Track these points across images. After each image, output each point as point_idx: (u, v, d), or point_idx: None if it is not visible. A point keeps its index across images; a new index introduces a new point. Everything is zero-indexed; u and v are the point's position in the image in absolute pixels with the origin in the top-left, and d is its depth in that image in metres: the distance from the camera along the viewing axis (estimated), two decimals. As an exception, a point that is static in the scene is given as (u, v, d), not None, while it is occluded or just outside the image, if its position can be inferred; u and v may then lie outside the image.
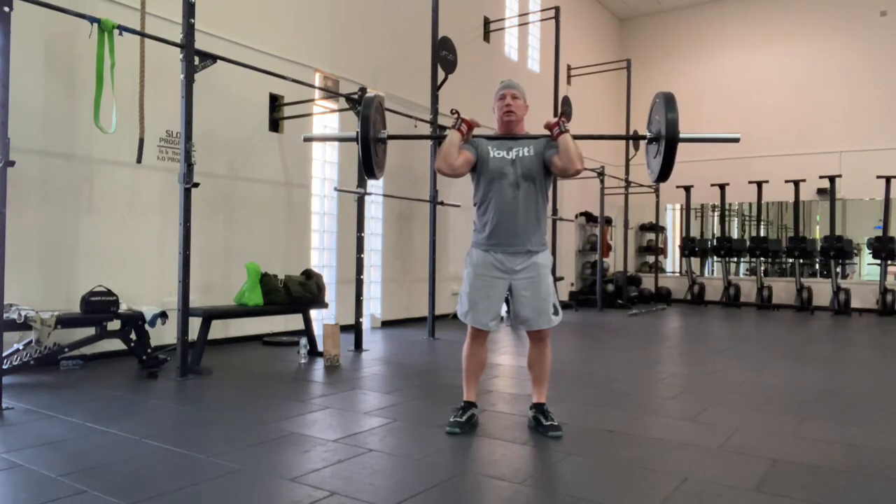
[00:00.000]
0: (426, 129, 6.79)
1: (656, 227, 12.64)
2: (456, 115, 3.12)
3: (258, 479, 2.44)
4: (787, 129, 11.88)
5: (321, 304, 5.62)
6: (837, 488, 2.46)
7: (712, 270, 12.79)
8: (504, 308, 3.58)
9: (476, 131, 3.22)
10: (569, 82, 11.68)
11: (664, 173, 2.96)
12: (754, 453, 2.85)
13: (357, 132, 3.03)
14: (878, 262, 10.16)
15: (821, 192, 11.21)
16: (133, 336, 4.54)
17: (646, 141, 3.11)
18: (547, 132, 3.10)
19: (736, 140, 3.07)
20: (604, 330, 8.08)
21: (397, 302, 7.91)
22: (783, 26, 12.16)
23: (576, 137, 3.03)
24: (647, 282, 12.62)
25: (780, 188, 11.30)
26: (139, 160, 4.35)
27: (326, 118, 7.01)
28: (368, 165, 3.11)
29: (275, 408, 3.61)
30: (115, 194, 5.10)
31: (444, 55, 6.85)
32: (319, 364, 5.04)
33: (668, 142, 2.86)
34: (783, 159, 11.67)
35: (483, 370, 3.26)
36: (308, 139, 3.44)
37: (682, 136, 2.89)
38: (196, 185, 4.39)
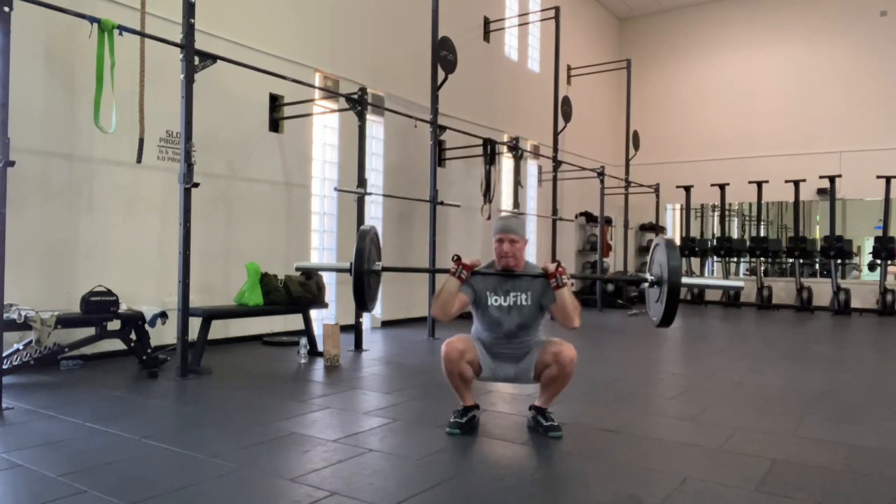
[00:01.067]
0: (426, 130, 6.79)
1: (656, 227, 12.64)
2: (457, 262, 3.06)
3: (258, 479, 2.44)
4: (787, 129, 11.88)
5: (321, 304, 5.62)
6: (837, 488, 2.46)
7: (712, 270, 12.79)
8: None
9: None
10: (569, 82, 11.68)
11: (667, 319, 2.93)
12: (754, 453, 2.85)
13: (351, 264, 2.97)
14: (879, 262, 10.15)
15: (821, 192, 11.21)
16: (133, 336, 4.54)
17: (647, 284, 3.08)
18: (543, 273, 3.04)
19: (740, 288, 3.07)
20: (604, 330, 8.08)
21: (397, 302, 7.91)
22: (783, 26, 12.16)
23: (582, 276, 3.00)
24: (647, 282, 12.59)
25: (780, 188, 11.30)
26: (139, 160, 4.34)
27: (326, 118, 7.01)
28: (361, 300, 3.04)
29: (275, 408, 3.61)
30: (115, 194, 5.10)
31: (444, 55, 6.85)
32: (319, 364, 5.04)
33: (671, 287, 2.83)
34: (783, 159, 11.67)
35: (471, 381, 3.16)
36: (300, 269, 3.42)
37: (685, 281, 2.87)
38: (196, 185, 4.39)
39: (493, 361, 3.16)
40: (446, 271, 3.07)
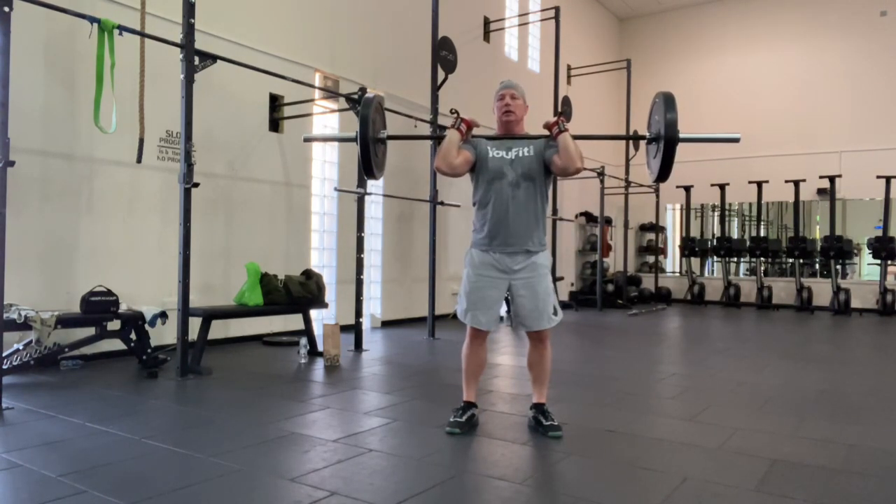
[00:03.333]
0: (426, 130, 6.79)
1: (656, 227, 12.64)
2: (455, 115, 3.12)
3: (258, 479, 2.44)
4: (787, 129, 11.88)
5: (321, 304, 5.61)
6: (837, 488, 2.46)
7: (712, 270, 12.79)
8: (504, 308, 3.59)
9: (476, 131, 3.23)
10: (569, 82, 11.68)
11: (664, 173, 2.97)
12: (754, 453, 2.85)
13: (356, 132, 3.02)
14: (878, 262, 10.15)
15: (821, 192, 11.21)
16: (133, 336, 4.54)
17: (645, 141, 3.11)
18: (546, 132, 3.09)
19: (736, 140, 3.07)
20: (604, 330, 8.08)
21: (397, 302, 7.91)
22: (783, 26, 12.16)
23: (575, 138, 3.04)
24: (647, 282, 12.62)
25: (780, 188, 11.30)
26: (139, 160, 4.35)
27: (326, 118, 7.01)
28: (368, 166, 3.11)
29: (275, 408, 3.61)
30: (115, 194, 5.10)
31: (444, 55, 6.85)
32: (319, 364, 5.04)
33: (667, 142, 2.87)
34: (783, 159, 11.67)
35: (483, 370, 3.27)
36: (308, 139, 3.44)
37: (681, 136, 2.89)
38: (196, 185, 4.39)
39: (495, 257, 3.07)
40: (448, 131, 3.10)
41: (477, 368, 3.21)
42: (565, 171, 3.03)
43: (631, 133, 11.63)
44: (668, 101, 2.91)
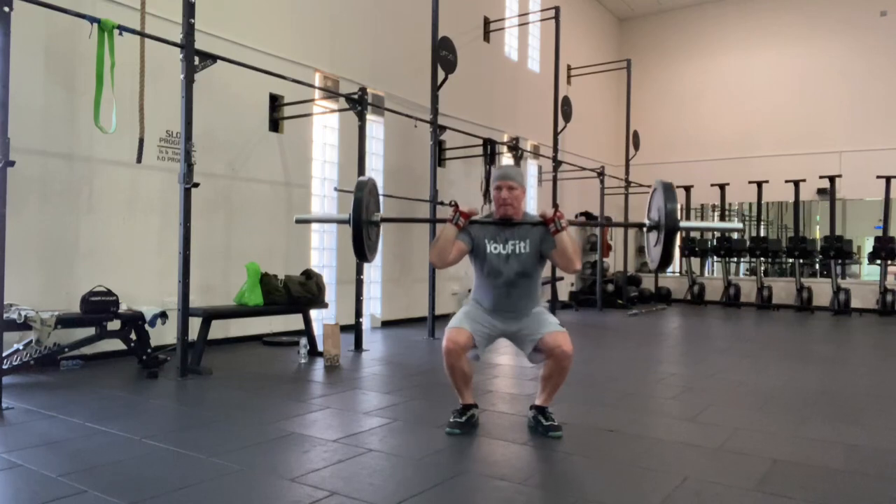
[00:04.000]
0: (426, 130, 6.79)
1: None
2: (454, 209, 3.06)
3: (258, 479, 2.44)
4: (787, 129, 11.88)
5: (321, 304, 5.62)
6: (837, 488, 2.46)
7: (712, 270, 12.79)
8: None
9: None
10: (569, 82, 11.68)
11: (665, 262, 2.96)
12: (754, 453, 2.85)
13: (350, 215, 2.97)
14: (878, 262, 10.15)
15: (821, 192, 11.21)
16: (133, 336, 4.54)
17: (645, 228, 3.11)
18: (541, 220, 3.06)
19: (740, 230, 3.11)
20: (604, 330, 8.08)
21: (397, 302, 7.91)
22: (783, 26, 12.16)
23: (581, 223, 3.03)
24: (647, 282, 12.62)
25: (780, 188, 11.30)
26: (139, 160, 4.34)
27: (326, 118, 7.01)
28: (360, 249, 3.04)
29: (275, 408, 3.61)
30: (115, 194, 5.10)
31: (444, 55, 6.85)
32: (319, 364, 5.04)
33: (668, 231, 2.86)
34: (783, 159, 11.67)
35: (470, 378, 3.17)
36: (300, 221, 3.43)
37: (681, 224, 2.90)
38: (196, 185, 4.39)
39: (493, 317, 3.12)
40: (444, 222, 3.08)
41: (462, 379, 3.13)
42: (563, 270, 3.09)
43: (631, 133, 11.67)
44: (667, 191, 2.91)
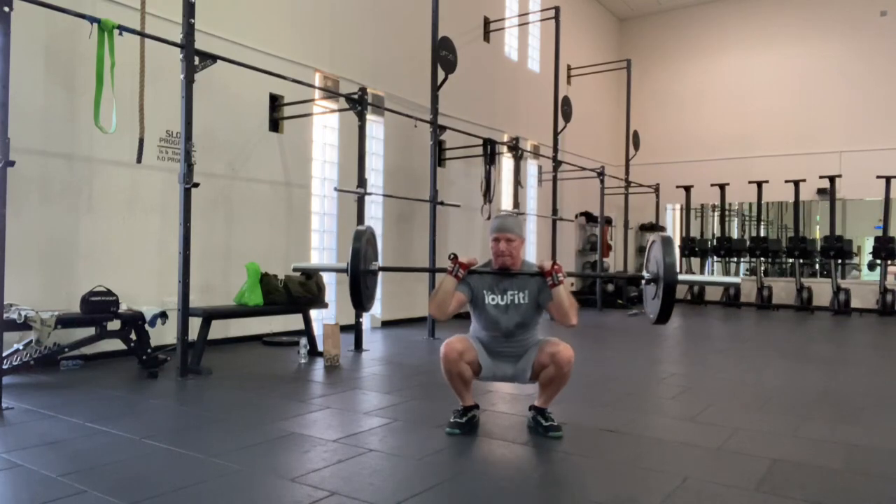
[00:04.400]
0: (426, 130, 6.79)
1: (656, 227, 12.64)
2: (453, 260, 3.06)
3: (258, 479, 2.44)
4: (787, 129, 11.88)
5: (321, 304, 5.61)
6: (837, 488, 2.46)
7: (712, 270, 12.79)
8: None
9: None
10: (569, 82, 11.68)
11: (663, 316, 2.93)
12: (754, 453, 2.85)
13: (348, 265, 2.96)
14: (878, 262, 10.15)
15: (821, 192, 11.21)
16: (133, 336, 4.54)
17: (644, 281, 3.09)
18: (539, 272, 3.06)
19: (737, 284, 3.09)
20: (604, 330, 8.08)
21: (397, 302, 7.91)
22: (783, 26, 12.16)
23: (579, 274, 3.03)
24: (647, 282, 12.60)
25: (780, 188, 11.30)
26: (139, 160, 4.34)
27: (326, 118, 7.01)
28: (357, 299, 3.03)
29: (275, 408, 3.61)
30: (115, 194, 5.10)
31: (444, 55, 6.85)
32: (319, 364, 5.04)
33: (666, 285, 2.84)
34: (783, 159, 11.67)
35: (470, 381, 3.17)
36: (297, 269, 3.44)
37: (680, 278, 2.88)
38: (196, 185, 4.39)
39: (491, 360, 3.16)
40: (444, 271, 3.08)
41: (462, 382, 3.13)
42: (560, 325, 3.08)
43: (631, 133, 11.67)
44: (665, 244, 2.90)
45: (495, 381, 3.31)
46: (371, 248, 3.16)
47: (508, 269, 3.09)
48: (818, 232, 11.75)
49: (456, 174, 8.63)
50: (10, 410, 3.36)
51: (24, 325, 3.97)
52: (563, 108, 9.60)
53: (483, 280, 3.14)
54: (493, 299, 3.11)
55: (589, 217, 12.20)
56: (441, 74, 6.82)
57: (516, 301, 3.10)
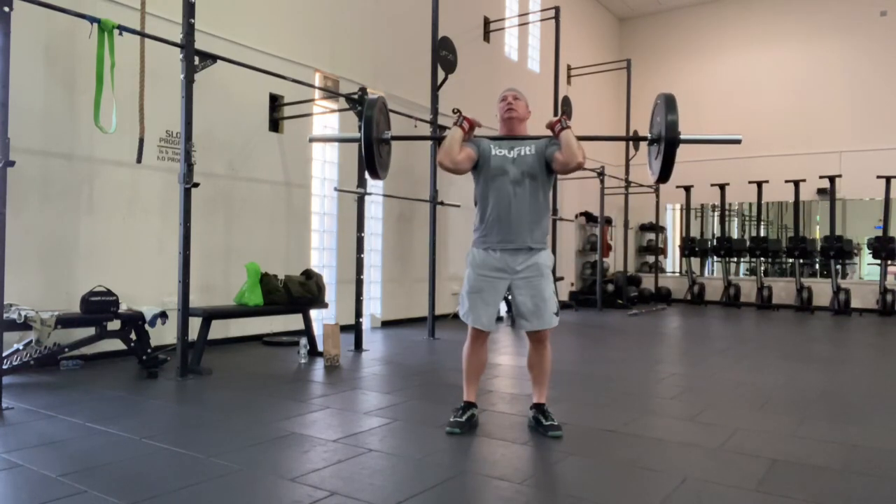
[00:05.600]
0: (426, 130, 6.79)
1: (656, 227, 12.64)
2: (458, 114, 3.14)
3: (258, 479, 2.44)
4: (787, 129, 11.87)
5: (321, 304, 5.61)
6: (837, 488, 2.46)
7: (712, 270, 12.79)
8: (504, 308, 3.60)
9: (479, 131, 3.24)
10: (569, 82, 11.68)
11: (664, 174, 2.98)
12: (754, 453, 2.85)
13: (361, 133, 3.05)
14: (878, 262, 10.15)
15: (821, 192, 11.21)
16: (133, 336, 4.54)
17: (647, 142, 3.12)
18: (549, 132, 3.12)
19: (737, 142, 3.10)
20: (604, 330, 8.08)
21: (397, 302, 7.91)
22: (783, 26, 12.16)
23: (577, 138, 3.05)
24: (647, 282, 12.62)
25: (780, 188, 11.30)
26: (139, 160, 4.34)
27: (326, 118, 7.01)
28: (371, 166, 3.14)
29: (275, 408, 3.61)
30: (115, 194, 5.10)
31: (444, 55, 6.85)
32: (319, 364, 5.04)
33: (668, 143, 2.88)
34: (783, 159, 11.67)
35: (483, 370, 3.28)
36: (313, 140, 3.51)
37: (682, 137, 2.90)
38: (196, 185, 4.39)
39: (496, 257, 3.08)
40: (451, 129, 3.12)
41: (478, 368, 3.23)
42: (566, 166, 3.01)
43: (631, 133, 11.67)
44: (669, 103, 2.92)
45: (509, 301, 3.29)
46: (383, 116, 3.24)
47: (515, 136, 3.18)
48: (818, 232, 11.75)
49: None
50: (10, 410, 3.36)
51: (24, 325, 3.97)
52: (563, 108, 9.60)
53: (490, 142, 3.19)
54: (499, 152, 3.14)
55: (589, 217, 12.19)
56: (441, 74, 6.82)
57: (523, 153, 3.12)
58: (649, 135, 3.11)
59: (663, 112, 2.92)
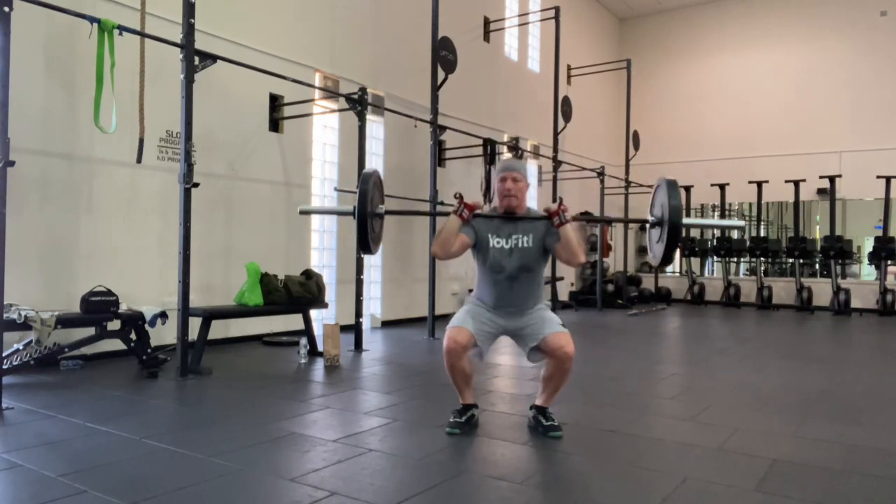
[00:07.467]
0: (426, 130, 6.79)
1: (656, 227, 12.61)
2: (459, 200, 3.05)
3: (258, 479, 2.44)
4: (787, 129, 11.88)
5: (321, 304, 5.61)
6: (837, 488, 2.46)
7: (712, 270, 12.79)
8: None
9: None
10: (569, 82, 11.68)
11: (667, 258, 2.94)
12: (754, 453, 2.85)
13: (354, 207, 2.95)
14: (876, 262, 10.15)
15: (821, 192, 11.21)
16: (133, 336, 4.54)
17: (648, 224, 3.10)
18: (546, 215, 3.06)
19: (741, 227, 3.13)
20: (604, 330, 8.08)
21: (397, 302, 7.91)
22: (783, 26, 12.16)
23: (588, 219, 3.04)
24: (647, 282, 12.62)
25: (780, 188, 11.30)
26: (139, 160, 4.35)
27: (326, 118, 7.01)
28: (364, 241, 3.01)
29: (275, 408, 3.61)
30: (115, 194, 5.10)
31: (444, 55, 6.85)
32: (319, 364, 5.04)
33: (671, 227, 2.84)
34: (783, 159, 11.67)
35: (472, 377, 3.17)
36: (304, 212, 3.42)
37: (685, 221, 2.89)
38: (196, 185, 4.39)
39: (494, 314, 3.10)
40: (447, 216, 3.07)
41: (463, 379, 3.12)
42: (567, 264, 3.08)
43: (631, 133, 11.67)
44: (671, 187, 2.90)
45: (497, 339, 3.22)
46: (378, 191, 3.16)
47: (514, 213, 3.09)
48: (818, 232, 11.75)
49: (456, 174, 8.63)
50: (10, 410, 3.36)
51: (24, 325, 3.97)
52: (563, 108, 9.60)
53: (488, 224, 3.13)
54: (497, 242, 3.09)
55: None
56: (441, 74, 6.82)
57: (521, 244, 3.08)
58: (650, 217, 3.08)
59: (666, 196, 2.89)
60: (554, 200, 9.17)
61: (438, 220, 3.04)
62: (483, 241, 3.11)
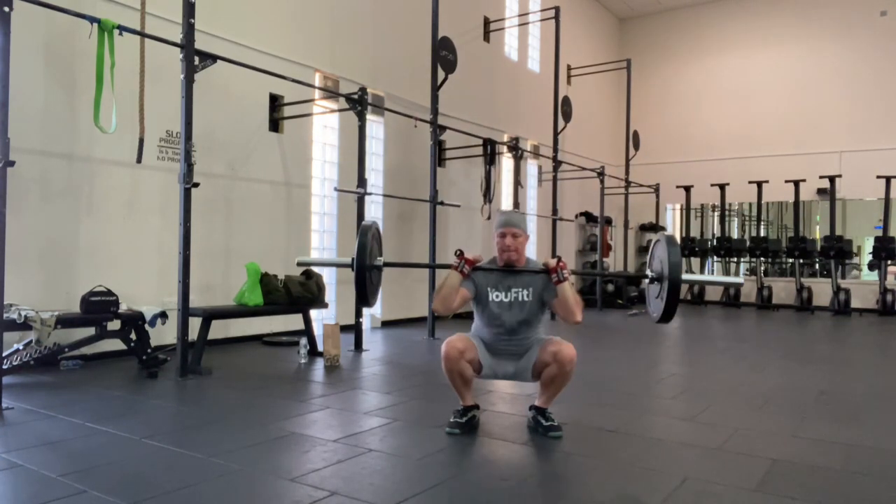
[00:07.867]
0: (426, 130, 6.79)
1: (656, 227, 12.64)
2: (459, 256, 3.06)
3: (258, 479, 2.44)
4: (787, 129, 11.88)
5: (321, 304, 5.61)
6: (837, 488, 2.46)
7: (712, 270, 12.79)
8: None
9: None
10: (569, 82, 11.68)
11: (667, 315, 2.91)
12: (754, 453, 2.85)
13: (353, 259, 2.94)
14: (877, 263, 10.15)
15: (821, 192, 11.21)
16: (133, 336, 4.54)
17: (647, 280, 3.07)
18: (544, 269, 3.06)
19: (740, 284, 3.10)
20: (604, 330, 8.08)
21: (397, 302, 7.91)
22: (783, 26, 12.16)
23: (582, 272, 3.04)
24: (647, 282, 12.59)
25: (780, 188, 11.30)
26: (139, 160, 4.34)
27: (326, 118, 7.01)
28: (363, 294, 3.01)
29: (275, 408, 3.61)
30: (115, 194, 5.10)
31: (444, 55, 6.85)
32: (319, 364, 5.04)
33: (671, 284, 2.82)
34: (783, 159, 11.67)
35: (471, 381, 3.17)
36: (301, 264, 3.42)
37: (684, 277, 2.87)
38: (196, 185, 4.39)
39: (493, 359, 3.16)
40: (448, 266, 3.08)
41: (463, 381, 3.12)
42: (564, 321, 3.09)
43: (631, 133, 11.67)
44: (670, 243, 2.88)
45: (496, 380, 3.31)
46: (376, 243, 3.17)
47: (513, 266, 3.10)
48: (818, 232, 11.75)
49: (456, 174, 8.63)
50: (10, 410, 3.36)
51: (24, 325, 3.97)
52: (563, 108, 9.60)
53: (488, 277, 3.15)
54: (497, 296, 3.11)
55: (589, 217, 12.19)
56: (441, 74, 6.82)
57: (520, 298, 3.10)
58: (649, 272, 3.05)
59: (665, 252, 2.87)
60: (554, 202, 9.19)
61: (441, 284, 3.03)
62: (483, 295, 3.14)
